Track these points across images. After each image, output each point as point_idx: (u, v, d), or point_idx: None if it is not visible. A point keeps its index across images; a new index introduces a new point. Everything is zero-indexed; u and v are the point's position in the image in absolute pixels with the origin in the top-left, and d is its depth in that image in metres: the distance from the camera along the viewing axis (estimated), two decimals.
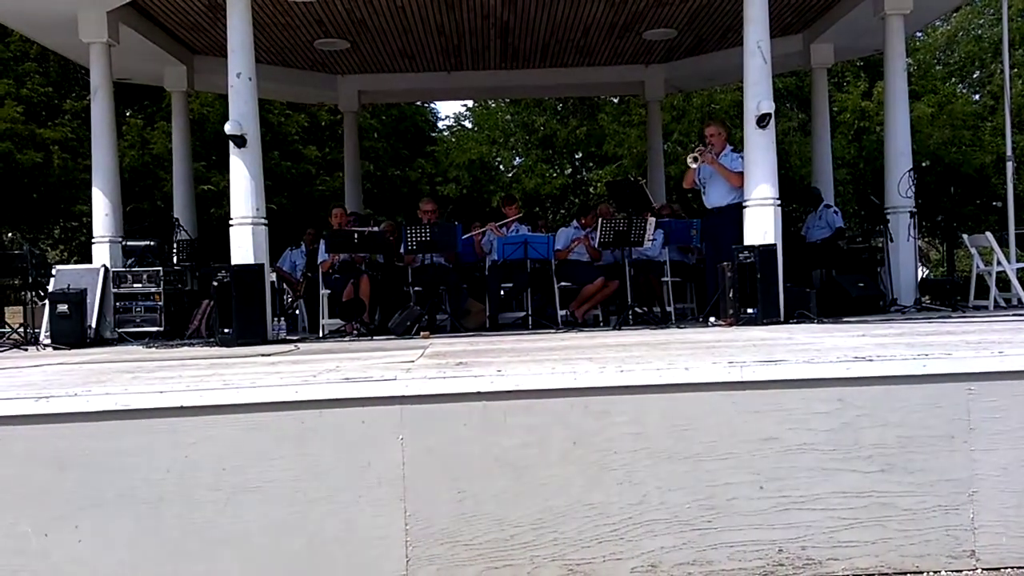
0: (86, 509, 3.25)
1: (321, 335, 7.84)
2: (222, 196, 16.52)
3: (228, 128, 6.91)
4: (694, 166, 7.51)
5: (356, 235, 7.78)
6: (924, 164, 16.14)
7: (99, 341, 7.59)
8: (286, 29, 9.90)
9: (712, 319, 7.04)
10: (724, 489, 3.34)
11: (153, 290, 7.85)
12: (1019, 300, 8.34)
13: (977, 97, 22.18)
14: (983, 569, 3.34)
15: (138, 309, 7.84)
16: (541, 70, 12.21)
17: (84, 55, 8.62)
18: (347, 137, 13.60)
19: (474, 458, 3.33)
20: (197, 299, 8.32)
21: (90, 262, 8.20)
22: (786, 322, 6.57)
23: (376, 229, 8.52)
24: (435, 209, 8.57)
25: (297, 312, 9.58)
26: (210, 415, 3.30)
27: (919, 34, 20.70)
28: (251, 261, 6.85)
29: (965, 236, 9.05)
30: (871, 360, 3.43)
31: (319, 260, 8.32)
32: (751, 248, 6.66)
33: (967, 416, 3.37)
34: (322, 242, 8.34)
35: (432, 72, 12.15)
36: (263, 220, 7.03)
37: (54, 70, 17.91)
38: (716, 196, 7.44)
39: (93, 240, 8.27)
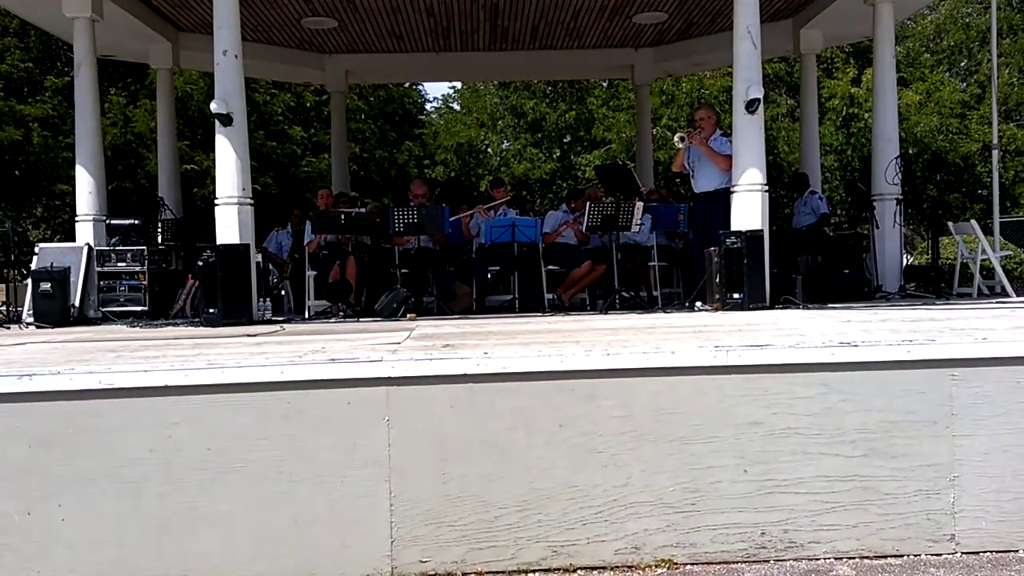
0: (70, 487, 3.23)
1: (307, 316, 7.80)
2: (205, 175, 16.41)
3: (214, 107, 6.83)
4: (680, 146, 7.51)
5: (343, 216, 7.73)
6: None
7: (82, 320, 7.52)
8: (273, 6, 9.78)
9: (698, 304, 7.06)
10: (708, 472, 3.36)
11: (137, 269, 7.77)
12: (1003, 288, 8.40)
13: (964, 85, 22.28)
14: (963, 553, 3.38)
15: (122, 288, 7.76)
16: (530, 52, 12.13)
17: (67, 30, 8.48)
18: (334, 117, 13.48)
19: (460, 440, 3.33)
20: (182, 279, 8.26)
21: (73, 241, 8.12)
22: (772, 307, 6.59)
23: (363, 211, 8.47)
24: (426, 193, 8.51)
25: (283, 293, 9.53)
26: (195, 395, 3.29)
27: (908, 22, 20.74)
28: (237, 241, 6.79)
29: (950, 224, 9.10)
30: (856, 346, 3.45)
31: (305, 241, 8.27)
32: (738, 233, 6.66)
33: (950, 402, 3.40)
34: (308, 223, 8.28)
35: (420, 53, 12.04)
36: (249, 200, 6.97)
37: (35, 45, 17.67)
38: (705, 181, 7.43)
39: (76, 218, 8.18)
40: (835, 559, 3.35)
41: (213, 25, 6.97)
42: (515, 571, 3.30)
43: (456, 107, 27.11)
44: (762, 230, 6.75)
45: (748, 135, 6.97)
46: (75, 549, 3.23)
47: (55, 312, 7.16)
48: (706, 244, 7.06)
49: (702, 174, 7.46)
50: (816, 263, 8.89)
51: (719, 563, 3.34)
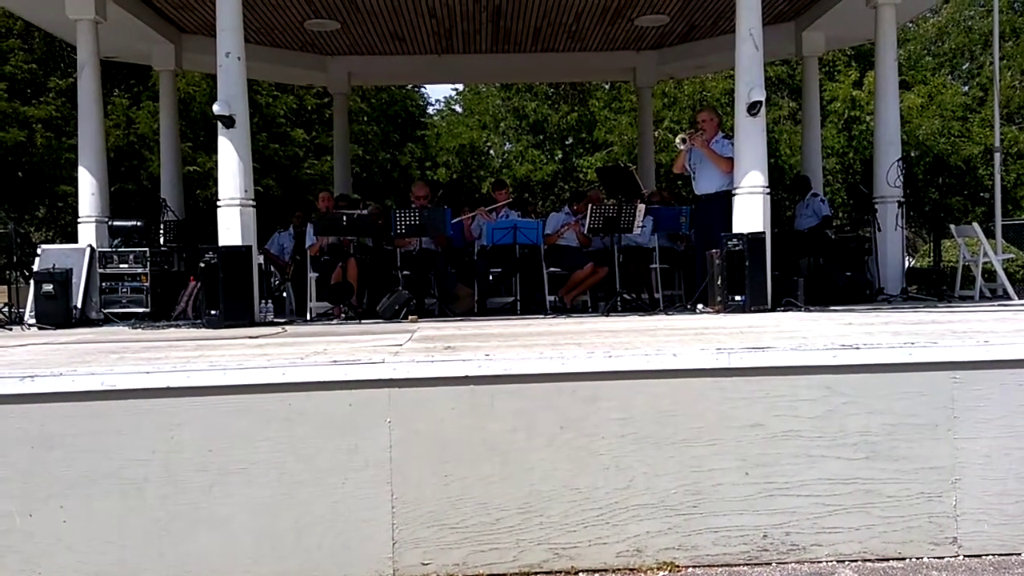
0: (72, 489, 3.23)
1: (309, 318, 7.80)
2: (208, 177, 16.43)
3: (216, 108, 6.84)
4: (682, 147, 7.52)
5: (345, 218, 7.74)
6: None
7: (85, 321, 7.53)
8: (276, 9, 9.80)
9: (700, 306, 7.05)
10: (710, 475, 3.36)
11: (140, 271, 7.78)
12: (1005, 290, 8.40)
13: (966, 88, 22.28)
14: (965, 556, 3.37)
15: (124, 290, 7.77)
16: (532, 54, 12.14)
17: (70, 32, 8.50)
18: (336, 119, 13.50)
19: (461, 442, 3.33)
20: (184, 280, 8.26)
21: (76, 243, 8.13)
22: (773, 310, 6.59)
23: (365, 212, 8.48)
24: (428, 195, 8.53)
25: (285, 295, 9.53)
26: (197, 396, 3.29)
27: (910, 24, 20.73)
28: (239, 243, 6.79)
29: (952, 226, 9.10)
30: (858, 348, 3.44)
31: (307, 243, 8.28)
32: (739, 235, 6.66)
33: (952, 404, 3.40)
34: (310, 225, 8.29)
35: (423, 55, 12.06)
36: (251, 202, 6.98)
37: (39, 47, 17.71)
38: (706, 183, 7.44)
39: (79, 220, 8.19)
40: (837, 562, 3.34)
41: (216, 27, 6.98)
42: (517, 573, 3.30)
43: (458, 109, 27.16)
44: (764, 232, 6.75)
45: (750, 137, 6.97)
46: (77, 550, 3.23)
47: (57, 313, 7.17)
48: (708, 246, 7.06)
49: (704, 176, 7.46)
50: (818, 265, 8.89)
51: (721, 565, 3.33)
